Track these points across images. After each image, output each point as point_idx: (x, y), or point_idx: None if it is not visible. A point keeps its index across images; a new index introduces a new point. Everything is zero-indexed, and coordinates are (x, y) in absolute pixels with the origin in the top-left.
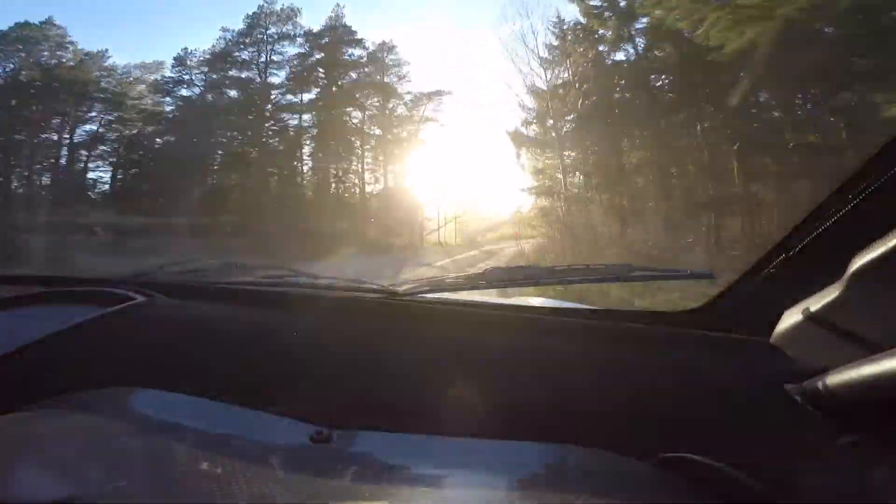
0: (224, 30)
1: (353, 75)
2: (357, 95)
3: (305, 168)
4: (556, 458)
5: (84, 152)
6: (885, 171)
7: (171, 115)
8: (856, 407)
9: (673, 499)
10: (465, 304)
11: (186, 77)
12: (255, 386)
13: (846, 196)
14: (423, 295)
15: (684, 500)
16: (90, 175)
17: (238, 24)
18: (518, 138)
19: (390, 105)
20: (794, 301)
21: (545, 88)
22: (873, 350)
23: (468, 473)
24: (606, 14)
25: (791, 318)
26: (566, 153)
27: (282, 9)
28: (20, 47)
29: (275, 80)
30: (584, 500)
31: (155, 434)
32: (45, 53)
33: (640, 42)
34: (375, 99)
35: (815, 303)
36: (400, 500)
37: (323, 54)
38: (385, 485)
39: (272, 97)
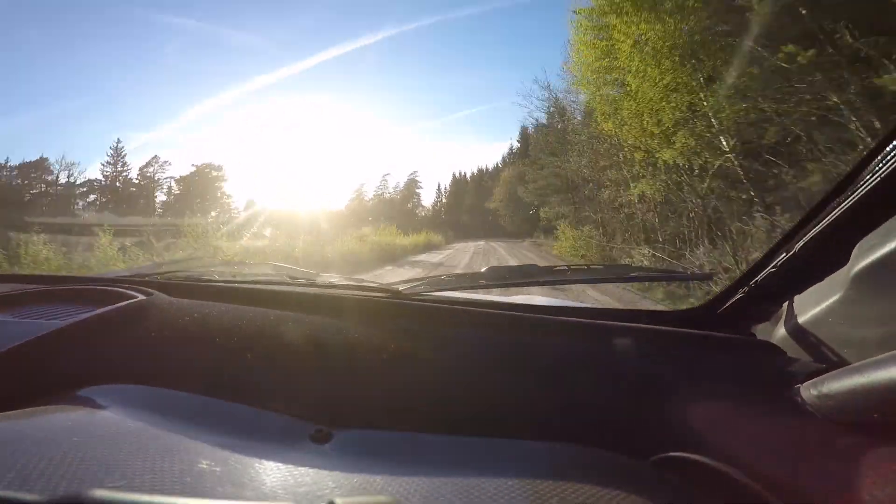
0: None
1: None
2: None
3: None
4: (555, 458)
5: None
6: (883, 171)
7: None
8: (856, 409)
9: (672, 499)
10: (466, 302)
11: None
12: (256, 384)
13: (845, 197)
14: (424, 294)
15: (683, 500)
16: None
17: None
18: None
19: None
20: (794, 302)
21: None
22: (873, 351)
23: (468, 472)
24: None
25: (791, 318)
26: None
27: None
28: None
29: None
30: (583, 499)
31: (154, 432)
32: None
33: None
34: None
35: (816, 304)
36: (400, 499)
37: None
38: (385, 483)
39: None
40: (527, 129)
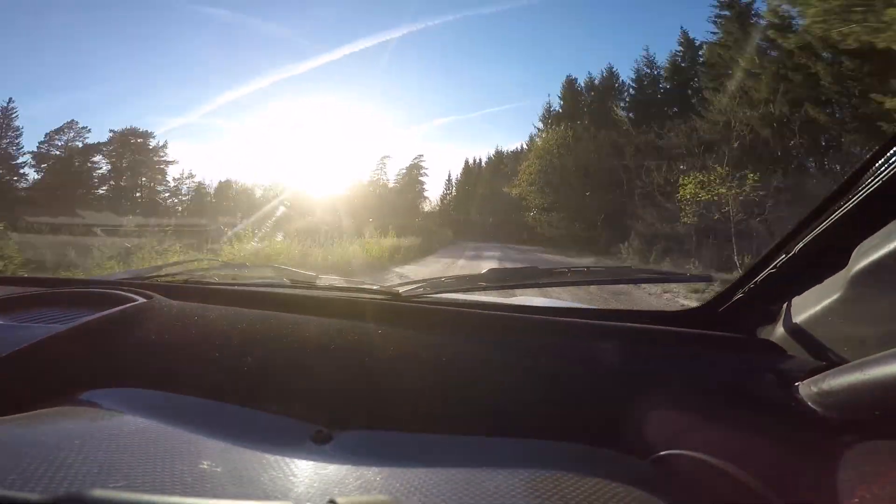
0: None
1: None
2: None
3: None
4: (556, 456)
5: None
6: (884, 171)
7: None
8: (856, 406)
9: (672, 497)
10: (467, 304)
11: None
12: (256, 386)
13: (846, 196)
14: (424, 296)
15: (683, 499)
16: None
17: None
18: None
19: None
20: (794, 301)
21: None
22: (873, 350)
23: (469, 472)
24: None
25: (791, 317)
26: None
27: None
28: None
29: None
30: (583, 497)
31: (155, 434)
32: None
33: None
34: None
35: (816, 302)
36: (400, 498)
37: None
38: (385, 483)
39: None
40: (574, 80)
